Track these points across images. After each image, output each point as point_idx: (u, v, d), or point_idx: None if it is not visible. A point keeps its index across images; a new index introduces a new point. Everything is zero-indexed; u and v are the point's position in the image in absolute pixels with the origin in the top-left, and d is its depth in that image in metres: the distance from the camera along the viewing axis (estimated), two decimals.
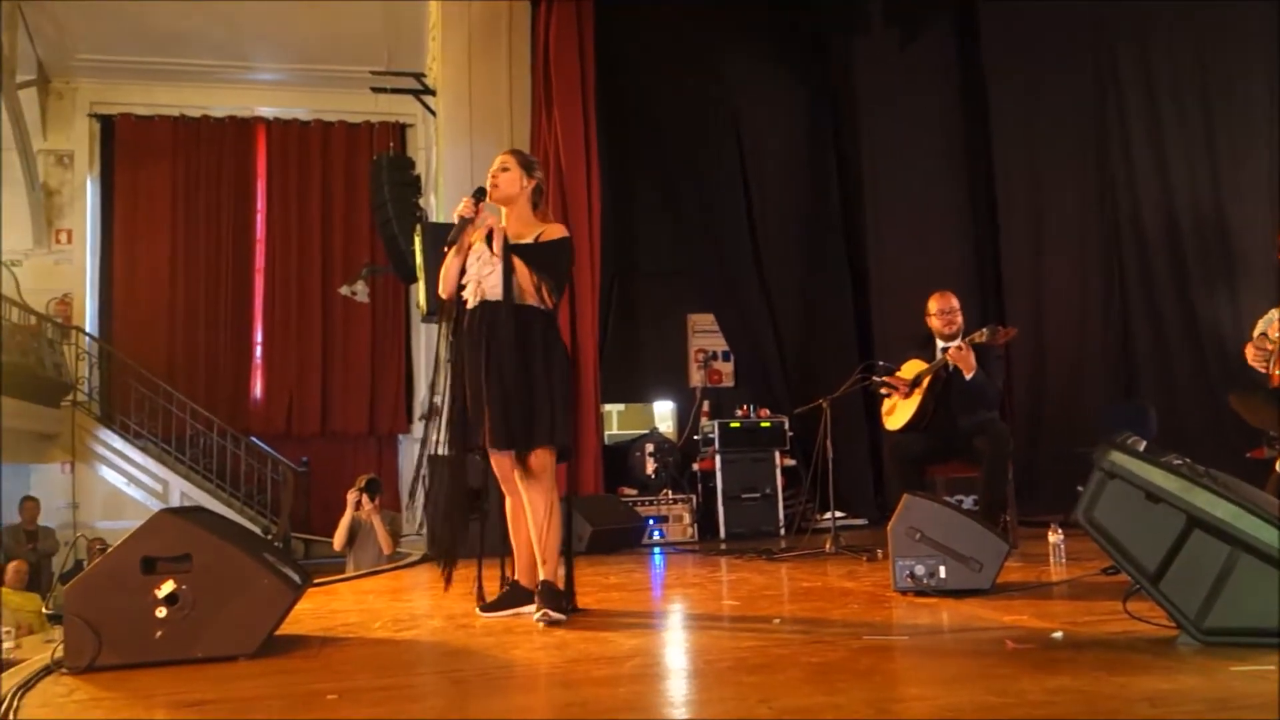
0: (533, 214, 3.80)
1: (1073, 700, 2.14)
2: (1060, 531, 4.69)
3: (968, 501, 5.87)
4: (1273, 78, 9.09)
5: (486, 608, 3.69)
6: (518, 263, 3.62)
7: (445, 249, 3.72)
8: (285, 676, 2.77)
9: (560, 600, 3.49)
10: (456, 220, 3.70)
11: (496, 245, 3.64)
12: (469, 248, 3.73)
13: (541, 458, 3.57)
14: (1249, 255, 8.70)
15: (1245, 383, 5.43)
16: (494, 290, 3.62)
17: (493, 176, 3.78)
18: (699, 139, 8.63)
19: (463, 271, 3.73)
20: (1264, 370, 4.08)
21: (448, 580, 3.67)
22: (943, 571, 3.73)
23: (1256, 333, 4.18)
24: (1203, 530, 2.58)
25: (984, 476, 5.28)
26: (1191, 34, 9.09)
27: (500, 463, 3.66)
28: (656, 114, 8.72)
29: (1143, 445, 2.78)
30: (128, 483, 10.62)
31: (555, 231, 3.78)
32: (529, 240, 3.70)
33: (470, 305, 3.68)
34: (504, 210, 3.82)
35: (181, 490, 10.68)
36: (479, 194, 3.71)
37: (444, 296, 3.78)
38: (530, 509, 3.58)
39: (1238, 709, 2.01)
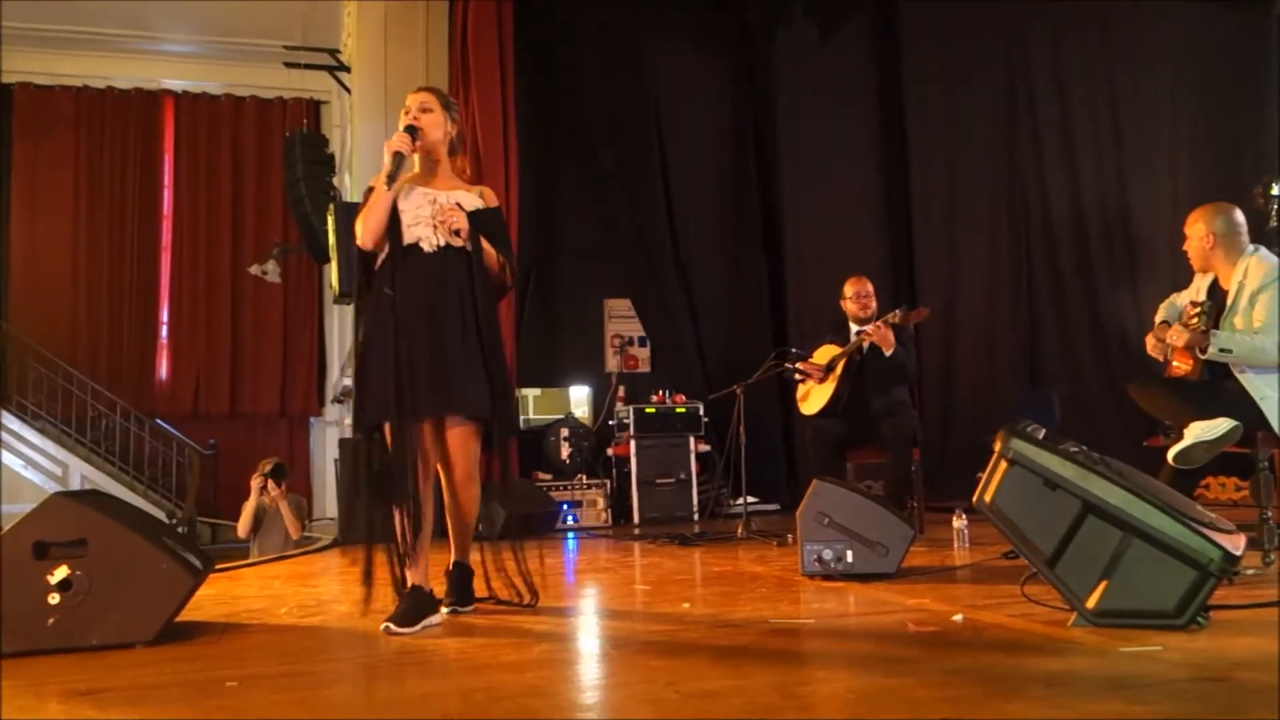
0: (451, 164, 3.44)
1: (970, 681, 2.19)
2: (964, 517, 4.80)
3: (878, 486, 5.98)
4: (1174, 76, 9.40)
5: (402, 623, 3.05)
6: (486, 245, 3.31)
7: (385, 182, 3.21)
8: (184, 663, 2.71)
9: (471, 589, 3.41)
10: (390, 157, 3.23)
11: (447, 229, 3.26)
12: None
13: (474, 434, 3.29)
14: (1151, 247, 9.01)
15: (1144, 372, 5.60)
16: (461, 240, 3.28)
17: (415, 119, 3.34)
18: (619, 125, 8.60)
19: (395, 220, 3.25)
20: (1161, 360, 4.21)
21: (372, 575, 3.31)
22: (850, 556, 3.80)
23: (1159, 319, 4.30)
24: (1096, 516, 2.67)
25: (889, 462, 5.41)
26: (1100, 33, 9.34)
27: (426, 432, 3.23)
28: (577, 98, 8.68)
29: (1042, 433, 2.85)
30: (25, 465, 10.26)
31: (493, 197, 3.46)
32: (474, 196, 3.37)
33: (428, 249, 3.23)
34: (416, 159, 3.41)
35: (82, 473, 10.36)
36: (413, 132, 3.30)
37: (367, 246, 3.25)
38: (466, 489, 3.30)
39: (1126, 687, 2.08)
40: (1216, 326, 3.96)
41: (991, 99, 9.21)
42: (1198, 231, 4.12)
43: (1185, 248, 4.21)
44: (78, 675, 2.60)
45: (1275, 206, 4.32)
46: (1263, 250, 4.03)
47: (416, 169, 3.42)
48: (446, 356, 3.16)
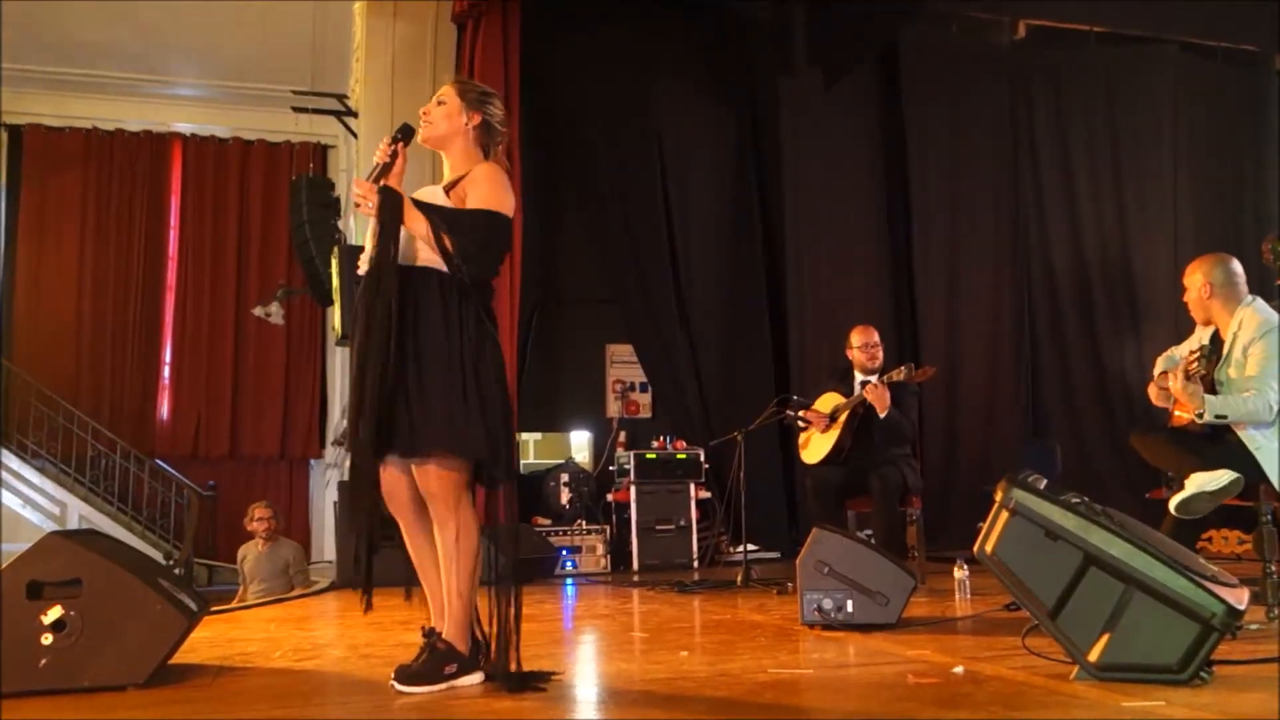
0: (482, 160, 2.99)
1: None
2: (966, 567, 4.76)
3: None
4: (1175, 127, 9.45)
5: (409, 678, 2.76)
6: (410, 211, 2.80)
7: (354, 207, 3.00)
8: (175, 707, 2.68)
9: (438, 672, 2.76)
10: (377, 167, 2.95)
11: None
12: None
13: (439, 474, 2.75)
14: (1153, 298, 9.01)
15: (1146, 422, 5.59)
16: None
17: (424, 113, 3.01)
18: (624, 169, 8.65)
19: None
20: (1165, 408, 4.20)
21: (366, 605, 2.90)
22: (850, 605, 3.77)
23: (1157, 371, 4.29)
24: (1099, 568, 2.64)
25: (875, 515, 5.38)
26: (1102, 83, 9.41)
27: (383, 474, 2.86)
28: (581, 144, 8.74)
29: (1043, 483, 2.83)
30: (23, 504, 10.22)
31: (482, 179, 2.89)
32: (437, 190, 2.93)
33: (361, 270, 2.88)
34: (444, 159, 3.04)
35: (80, 513, 10.31)
36: (403, 133, 2.97)
37: (360, 272, 2.92)
38: (442, 532, 2.79)
39: None
40: (1215, 370, 3.97)
41: (993, 147, 9.25)
42: (1196, 282, 4.14)
43: (1185, 299, 4.22)
44: (68, 717, 2.57)
45: None
46: (1259, 302, 4.03)
47: (446, 173, 3.04)
48: (367, 389, 2.75)
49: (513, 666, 2.80)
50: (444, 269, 2.80)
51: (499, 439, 2.80)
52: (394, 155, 2.95)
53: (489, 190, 2.87)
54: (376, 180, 2.90)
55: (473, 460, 2.80)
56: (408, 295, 2.79)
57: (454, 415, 2.74)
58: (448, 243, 2.77)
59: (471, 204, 2.86)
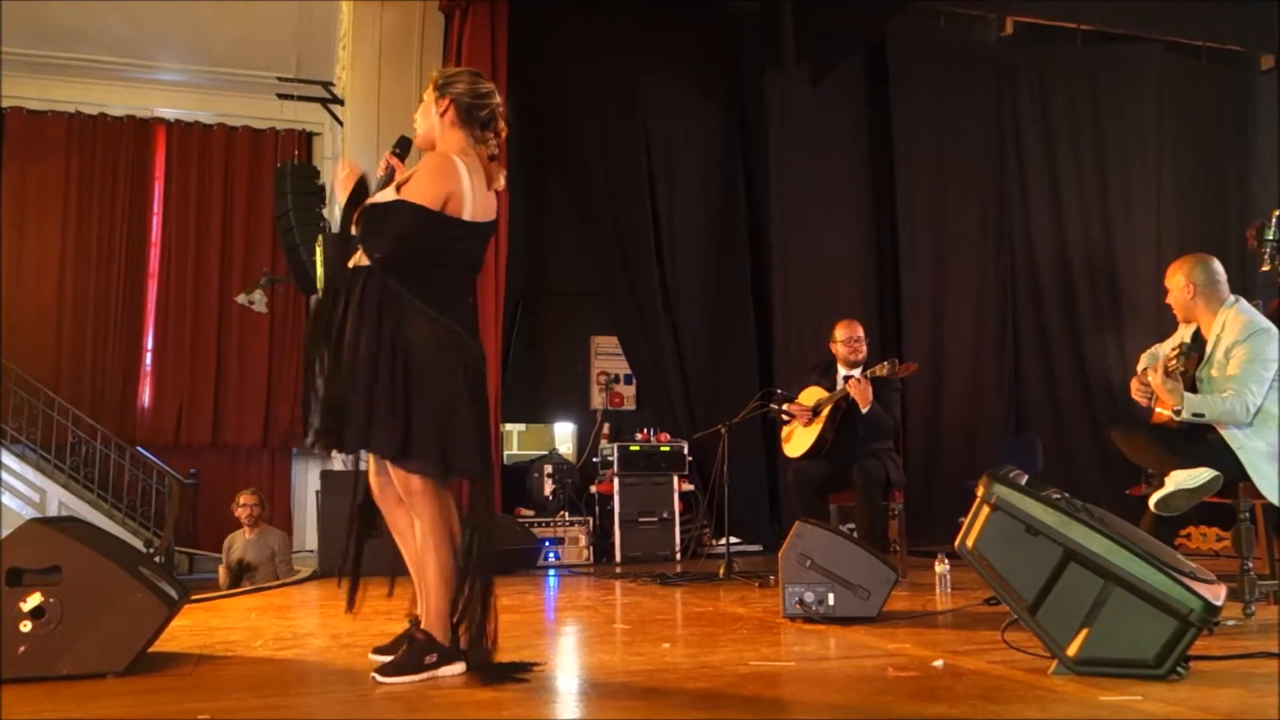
0: (470, 145, 2.95)
1: None
2: (947, 562, 4.79)
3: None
4: (1160, 126, 9.50)
5: (389, 669, 2.79)
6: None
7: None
8: (155, 695, 2.67)
9: (418, 663, 2.77)
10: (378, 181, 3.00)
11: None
12: None
13: (405, 470, 2.79)
14: (1135, 297, 9.07)
15: (1128, 419, 5.62)
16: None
17: (413, 121, 3.06)
18: (611, 162, 8.64)
19: None
20: (1146, 405, 4.22)
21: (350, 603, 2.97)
22: (831, 599, 3.79)
23: (1140, 368, 4.32)
24: (1078, 563, 2.66)
25: (858, 508, 5.39)
26: (1087, 83, 9.46)
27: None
28: (569, 136, 8.73)
29: (1024, 479, 2.85)
30: (2, 491, 10.15)
31: (421, 168, 2.87)
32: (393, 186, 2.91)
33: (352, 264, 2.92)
34: None
35: (60, 500, 10.24)
36: (400, 146, 3.01)
37: None
38: (422, 535, 2.84)
39: None
40: (1196, 369, 3.99)
41: (979, 143, 9.29)
42: (1178, 283, 4.16)
43: (1168, 300, 4.24)
44: (46, 705, 2.56)
45: (1268, 250, 4.35)
46: (1242, 302, 4.05)
47: None
48: (326, 385, 2.82)
49: (487, 657, 2.81)
50: (381, 270, 2.78)
51: (449, 442, 2.77)
52: (390, 170, 2.93)
53: (416, 181, 2.84)
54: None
55: (421, 466, 2.77)
56: (355, 292, 2.80)
57: (391, 418, 2.73)
58: (353, 228, 2.80)
59: (402, 193, 2.83)
